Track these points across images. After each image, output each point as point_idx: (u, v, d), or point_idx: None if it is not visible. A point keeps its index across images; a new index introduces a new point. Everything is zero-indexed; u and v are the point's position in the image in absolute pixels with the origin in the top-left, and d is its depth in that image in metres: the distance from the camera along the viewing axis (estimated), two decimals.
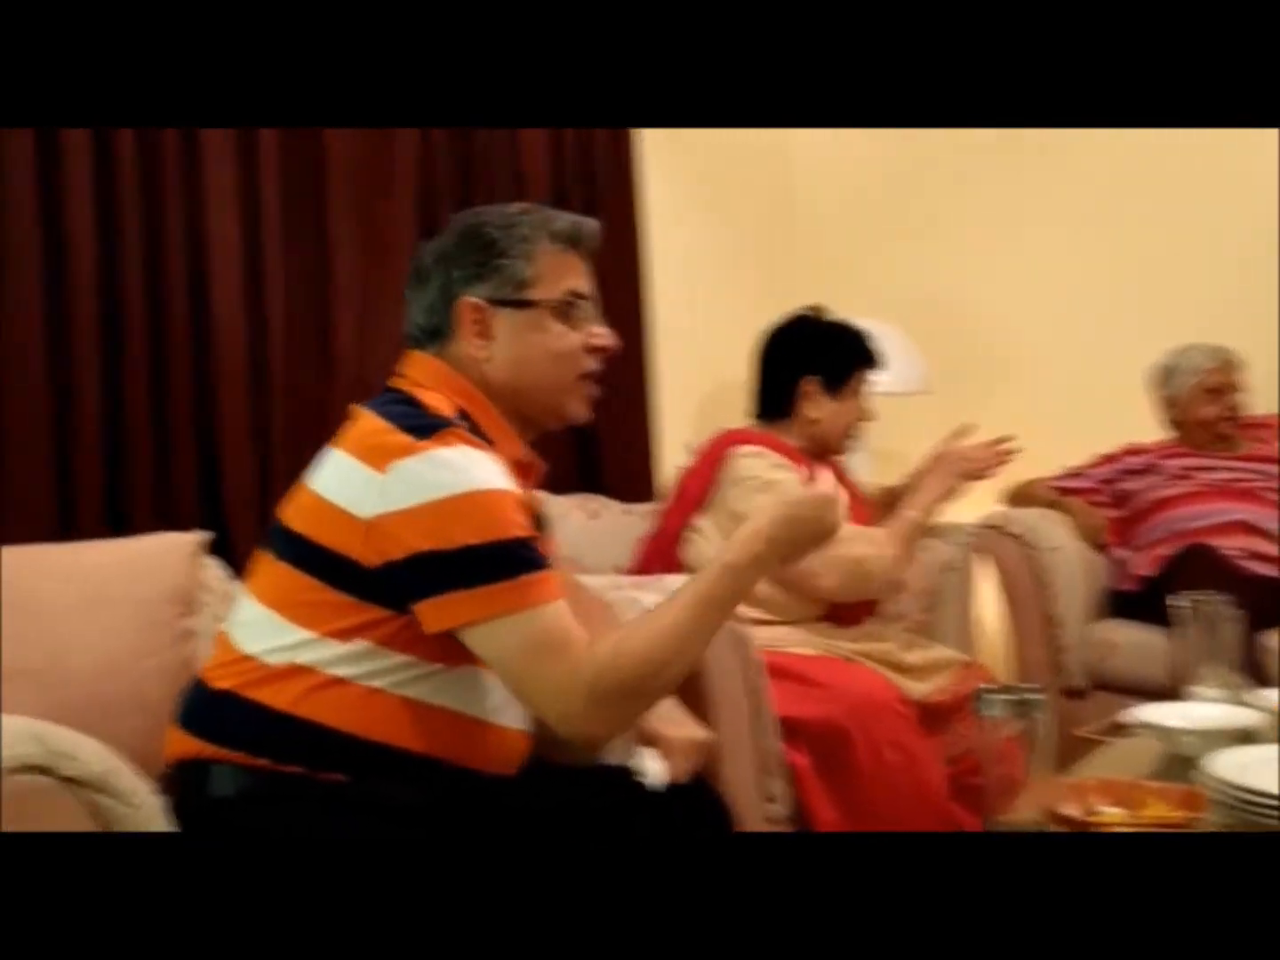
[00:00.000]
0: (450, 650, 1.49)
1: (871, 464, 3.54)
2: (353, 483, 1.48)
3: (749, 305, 3.80)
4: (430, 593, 1.44)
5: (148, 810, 1.33)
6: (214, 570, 2.08)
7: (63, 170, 2.34)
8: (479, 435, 1.53)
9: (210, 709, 1.54)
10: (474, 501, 1.44)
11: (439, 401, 1.56)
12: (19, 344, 2.25)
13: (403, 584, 1.46)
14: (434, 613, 1.45)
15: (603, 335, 1.65)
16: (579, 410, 1.65)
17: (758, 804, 2.12)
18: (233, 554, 2.20)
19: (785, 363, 2.65)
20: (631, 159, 3.48)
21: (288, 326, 2.69)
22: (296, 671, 1.49)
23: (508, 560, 1.44)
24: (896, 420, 3.24)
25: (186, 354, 2.51)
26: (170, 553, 2.05)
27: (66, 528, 2.29)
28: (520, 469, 1.59)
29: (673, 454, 3.36)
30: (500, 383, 1.60)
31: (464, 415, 1.55)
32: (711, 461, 2.60)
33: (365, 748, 1.48)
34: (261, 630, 1.53)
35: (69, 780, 1.26)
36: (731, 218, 3.96)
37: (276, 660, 1.50)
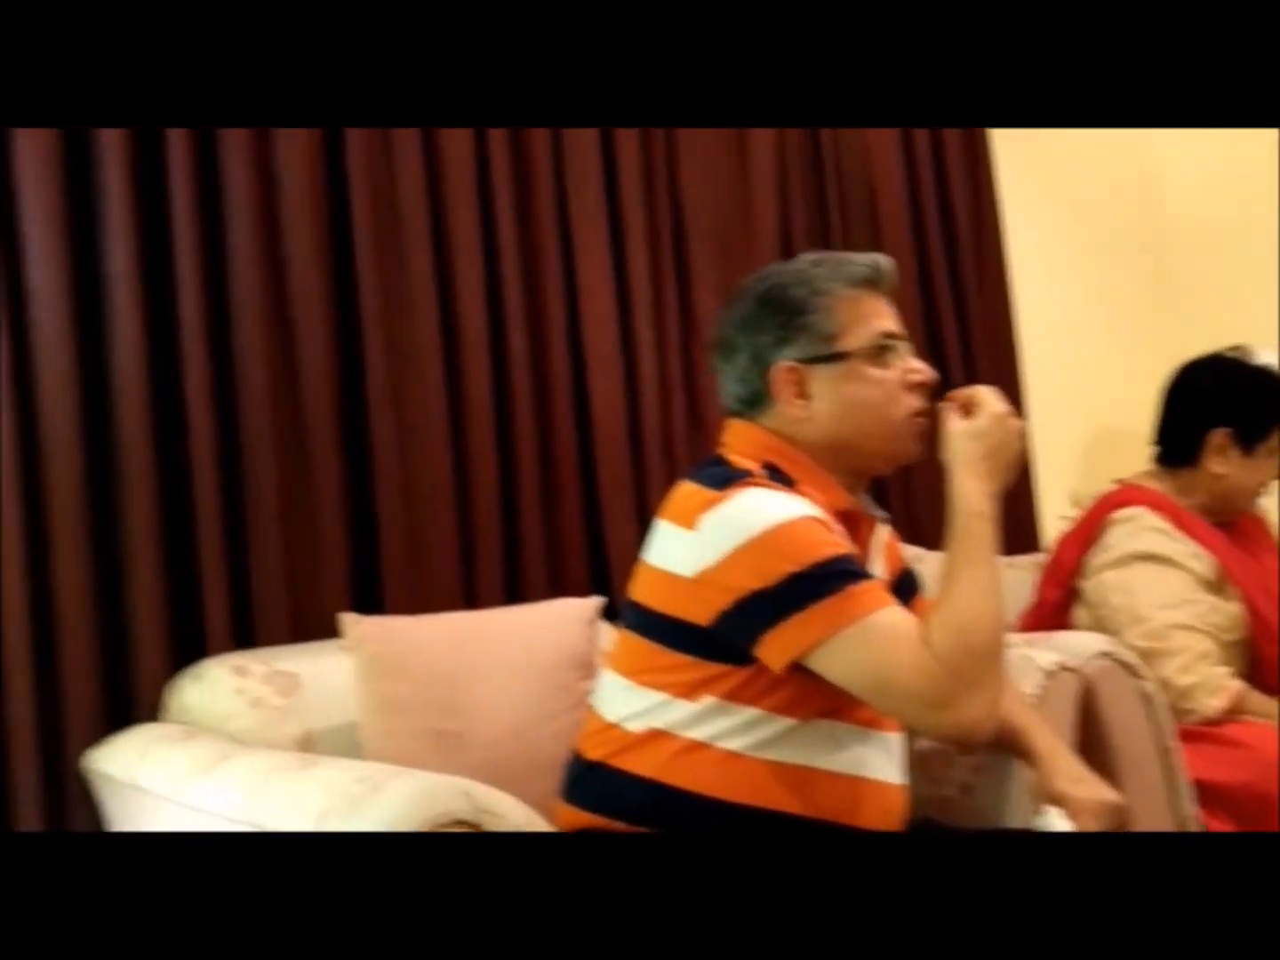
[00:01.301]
0: (796, 701, 1.50)
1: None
2: (673, 546, 1.54)
3: (1121, 332, 3.62)
4: (765, 629, 1.46)
5: None
6: (607, 634, 2.14)
7: (455, 277, 2.50)
8: (784, 481, 1.55)
9: (586, 780, 1.60)
10: (781, 533, 1.46)
11: (744, 458, 1.59)
12: (428, 430, 2.42)
13: (738, 631, 1.48)
14: (774, 647, 1.46)
15: (920, 371, 1.63)
16: (910, 449, 1.64)
17: None
18: (618, 617, 2.27)
19: (1197, 408, 2.44)
20: (985, 163, 3.40)
21: (660, 389, 2.77)
22: (655, 736, 1.53)
23: (830, 577, 1.45)
24: None
25: (569, 424, 2.62)
26: (569, 618, 2.13)
27: (470, 597, 2.42)
28: (848, 519, 1.60)
29: (1053, 503, 3.23)
30: (826, 439, 1.60)
31: (770, 467, 1.58)
32: (1088, 527, 2.47)
33: (737, 812, 1.50)
34: (619, 699, 1.59)
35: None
36: (1093, 231, 3.77)
37: (635, 726, 1.55)
